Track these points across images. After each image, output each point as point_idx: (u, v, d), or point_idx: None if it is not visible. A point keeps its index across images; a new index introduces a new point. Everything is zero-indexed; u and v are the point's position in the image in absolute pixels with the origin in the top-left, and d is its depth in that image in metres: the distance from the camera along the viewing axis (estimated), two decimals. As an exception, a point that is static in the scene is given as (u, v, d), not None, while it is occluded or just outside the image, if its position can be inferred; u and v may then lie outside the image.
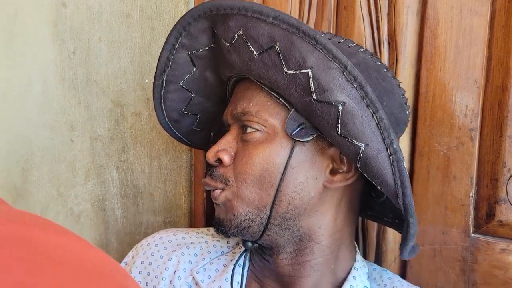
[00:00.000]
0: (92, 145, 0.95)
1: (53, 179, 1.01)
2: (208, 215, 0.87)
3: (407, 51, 0.76)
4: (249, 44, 0.57)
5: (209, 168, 0.65)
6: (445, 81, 0.73)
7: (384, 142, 0.55)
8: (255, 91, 0.62)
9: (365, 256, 0.82)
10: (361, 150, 0.55)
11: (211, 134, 0.76)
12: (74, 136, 0.97)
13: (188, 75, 0.66)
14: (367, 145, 0.54)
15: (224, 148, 0.63)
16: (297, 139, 0.59)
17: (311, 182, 0.61)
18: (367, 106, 0.54)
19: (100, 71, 0.92)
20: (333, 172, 0.62)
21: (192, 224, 0.88)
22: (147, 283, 0.71)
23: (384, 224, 0.74)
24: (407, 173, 0.55)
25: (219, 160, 0.63)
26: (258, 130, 0.61)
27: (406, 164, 0.77)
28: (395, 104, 0.65)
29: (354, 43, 0.64)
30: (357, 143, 0.55)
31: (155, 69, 0.87)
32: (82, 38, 0.93)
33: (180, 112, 0.71)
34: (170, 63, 0.64)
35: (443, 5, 0.72)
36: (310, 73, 0.54)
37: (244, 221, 0.61)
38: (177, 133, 0.74)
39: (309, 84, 0.55)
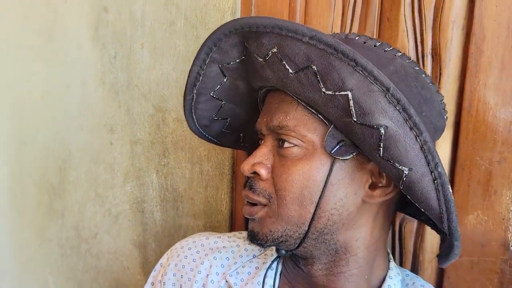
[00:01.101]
0: (132, 148, 0.97)
1: (91, 180, 1.04)
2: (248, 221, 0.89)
3: (451, 66, 0.77)
4: (284, 62, 0.56)
5: (248, 180, 0.64)
6: (490, 96, 0.74)
7: (428, 165, 0.54)
8: (291, 104, 0.60)
9: (401, 264, 0.83)
10: (404, 174, 0.54)
11: (241, 135, 0.76)
12: (114, 138, 0.99)
13: (219, 86, 0.66)
14: (410, 169, 0.54)
15: (260, 161, 0.62)
16: (337, 157, 0.58)
17: (350, 198, 0.60)
18: (410, 128, 0.53)
19: (142, 76, 0.93)
20: (372, 186, 0.61)
21: (232, 229, 0.90)
22: (180, 285, 0.73)
23: (419, 220, 0.74)
24: (452, 198, 0.54)
25: (255, 173, 0.62)
26: (296, 145, 0.60)
27: (447, 176, 0.79)
28: (434, 112, 0.65)
29: (390, 46, 0.63)
30: (400, 167, 0.54)
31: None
32: (123, 43, 0.95)
33: (210, 118, 0.71)
34: (201, 77, 0.64)
35: (490, 22, 0.73)
36: (350, 95, 0.53)
37: (281, 236, 0.62)
38: (207, 135, 0.74)
39: (349, 106, 0.53)
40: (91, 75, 1.00)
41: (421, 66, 0.79)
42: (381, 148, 0.54)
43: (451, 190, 0.54)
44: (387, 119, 0.53)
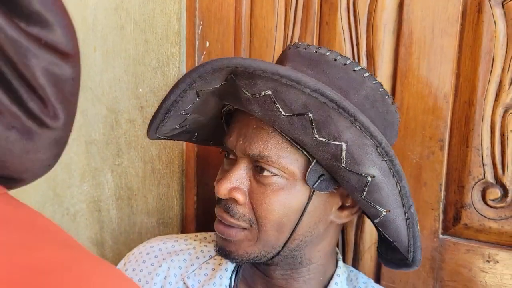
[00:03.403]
0: (88, 148, 1.00)
1: (50, 180, 1.06)
2: (198, 217, 0.93)
3: (384, 66, 0.81)
4: (277, 105, 0.55)
5: (221, 200, 0.64)
6: (418, 95, 0.79)
7: (403, 207, 0.59)
8: (272, 134, 0.60)
9: (344, 254, 0.88)
10: (382, 215, 0.59)
11: (196, 133, 0.75)
12: (70, 139, 1.01)
13: (191, 105, 0.63)
14: (388, 211, 0.58)
15: (237, 186, 0.62)
16: (318, 191, 0.61)
17: (322, 221, 0.64)
18: (393, 176, 0.57)
19: (95, 79, 0.96)
20: (340, 208, 0.65)
21: (183, 225, 0.94)
22: None
23: None
24: (419, 233, 0.61)
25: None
26: (276, 174, 0.60)
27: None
28: (393, 134, 0.69)
29: (358, 65, 0.64)
30: (379, 209, 0.58)
31: (148, 79, 0.92)
32: (77, 47, 0.97)
33: (172, 129, 0.69)
34: (178, 104, 0.61)
35: (417, 25, 0.78)
36: (344, 146, 0.54)
37: (256, 257, 0.64)
38: (162, 137, 0.72)
39: (341, 155, 0.55)
40: (47, 78, 1.02)
41: (357, 67, 0.84)
42: (364, 192, 0.57)
43: (418, 228, 0.61)
44: (376, 169, 0.56)
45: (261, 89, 0.55)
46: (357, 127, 0.54)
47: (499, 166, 0.75)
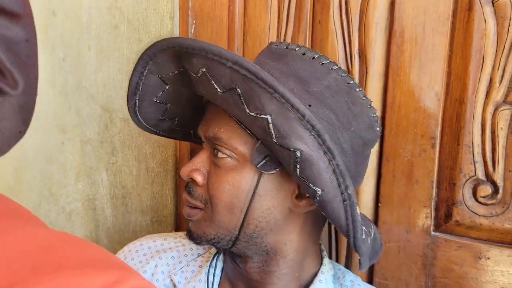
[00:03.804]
0: (82, 148, 1.00)
1: (45, 179, 1.07)
2: (192, 215, 0.94)
3: (376, 65, 0.82)
4: (212, 82, 0.58)
5: (187, 183, 0.68)
6: (410, 93, 0.79)
7: (339, 187, 0.57)
8: (225, 116, 0.63)
9: (337, 252, 0.89)
10: (317, 194, 0.57)
11: (191, 131, 0.79)
12: (65, 139, 1.02)
13: (161, 92, 0.68)
14: (323, 190, 0.57)
15: (197, 168, 0.66)
16: (262, 171, 0.62)
17: (277, 207, 0.64)
18: (324, 153, 0.56)
19: (90, 78, 0.97)
20: (299, 197, 0.64)
21: (177, 223, 0.94)
22: None
23: None
24: (359, 218, 0.59)
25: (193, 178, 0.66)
26: (229, 156, 0.63)
27: (374, 168, 0.85)
28: (363, 126, 0.67)
29: (328, 59, 0.65)
30: (314, 188, 0.57)
31: (142, 78, 0.92)
32: (72, 46, 0.98)
33: (157, 119, 0.73)
34: (140, 87, 0.66)
35: (408, 24, 0.78)
36: (269, 119, 0.56)
37: (214, 238, 0.66)
38: (158, 131, 0.76)
39: (269, 128, 0.56)
40: (42, 77, 1.02)
41: (350, 66, 0.84)
42: (298, 169, 0.57)
43: (359, 212, 0.59)
44: (303, 143, 0.56)
45: (197, 67, 0.58)
46: (278, 98, 0.55)
47: (489, 163, 0.76)
